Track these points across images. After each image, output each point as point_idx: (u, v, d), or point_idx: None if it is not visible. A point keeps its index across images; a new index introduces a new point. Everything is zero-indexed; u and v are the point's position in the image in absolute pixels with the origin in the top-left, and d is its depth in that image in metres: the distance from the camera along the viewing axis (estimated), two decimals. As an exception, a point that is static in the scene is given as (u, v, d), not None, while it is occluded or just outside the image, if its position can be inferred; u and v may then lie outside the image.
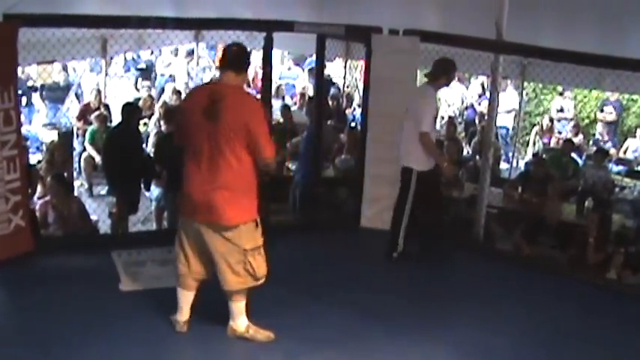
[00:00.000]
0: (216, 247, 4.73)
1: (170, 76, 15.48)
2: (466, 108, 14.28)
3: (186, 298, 4.99)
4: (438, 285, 6.28)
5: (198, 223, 4.73)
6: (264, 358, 4.88)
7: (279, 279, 5.49)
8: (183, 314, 5.02)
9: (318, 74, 7.90)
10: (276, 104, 11.79)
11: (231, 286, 4.81)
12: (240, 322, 4.97)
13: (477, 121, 13.12)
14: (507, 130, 13.09)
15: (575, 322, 5.67)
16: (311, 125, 8.69)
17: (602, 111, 13.57)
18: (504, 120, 12.94)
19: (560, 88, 13.83)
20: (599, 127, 13.45)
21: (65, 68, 13.46)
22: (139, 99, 12.53)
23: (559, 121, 13.65)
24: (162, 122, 10.55)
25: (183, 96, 12.47)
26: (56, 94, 12.86)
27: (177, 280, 4.99)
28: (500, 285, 6.22)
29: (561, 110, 13.76)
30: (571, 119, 13.69)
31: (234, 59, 4.74)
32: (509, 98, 12.67)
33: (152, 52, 16.41)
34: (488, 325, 5.48)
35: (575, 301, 6.07)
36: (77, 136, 10.96)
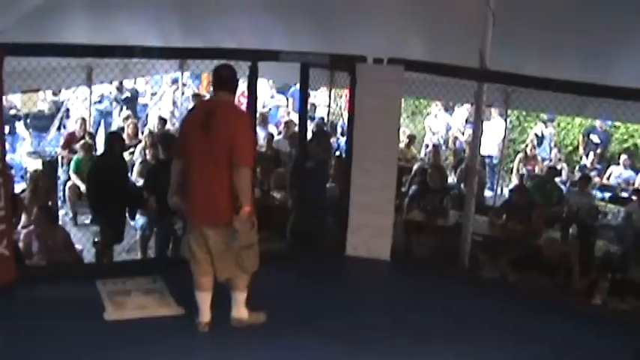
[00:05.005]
0: (217, 245, 5.20)
1: (154, 104, 15.53)
2: (456, 138, 14.32)
3: (203, 299, 5.38)
4: (422, 314, 6.21)
5: (202, 225, 5.21)
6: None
7: (261, 307, 5.51)
8: (204, 315, 5.39)
9: (303, 103, 7.90)
10: (261, 134, 11.80)
11: (221, 275, 5.29)
12: (243, 311, 5.43)
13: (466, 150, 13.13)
14: (491, 157, 13.10)
15: (560, 348, 5.66)
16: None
17: (587, 137, 13.73)
18: (490, 149, 12.98)
19: (543, 116, 13.94)
20: (591, 155, 13.52)
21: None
22: (122, 128, 12.55)
23: (539, 145, 13.73)
24: (148, 151, 10.57)
25: (167, 124, 12.54)
26: (41, 122, 12.86)
27: (194, 285, 5.38)
28: (485, 313, 6.21)
29: (541, 136, 13.86)
30: (553, 146, 13.81)
31: (226, 81, 5.28)
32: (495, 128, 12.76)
33: (135, 81, 16.48)
34: (475, 353, 5.46)
35: (560, 327, 6.08)
36: (62, 165, 10.94)
